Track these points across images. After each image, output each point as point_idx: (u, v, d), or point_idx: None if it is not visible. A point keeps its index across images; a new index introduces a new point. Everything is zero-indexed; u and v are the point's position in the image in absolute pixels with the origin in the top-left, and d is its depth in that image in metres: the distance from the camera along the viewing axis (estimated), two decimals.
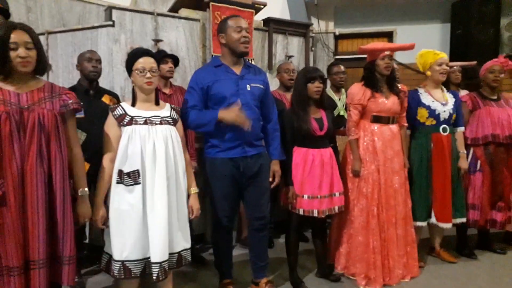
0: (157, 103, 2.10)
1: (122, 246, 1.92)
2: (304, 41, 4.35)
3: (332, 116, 2.75)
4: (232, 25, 2.28)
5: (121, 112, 2.00)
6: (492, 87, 3.19)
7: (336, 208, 2.62)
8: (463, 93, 3.79)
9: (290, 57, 4.19)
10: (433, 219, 2.94)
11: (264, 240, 2.56)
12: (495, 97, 3.21)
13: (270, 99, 2.54)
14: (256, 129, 2.37)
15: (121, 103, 2.07)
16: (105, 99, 2.72)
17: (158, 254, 1.93)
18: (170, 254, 2.02)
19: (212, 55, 3.47)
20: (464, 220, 3.01)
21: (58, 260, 1.78)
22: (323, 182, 2.57)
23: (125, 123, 1.97)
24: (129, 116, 1.99)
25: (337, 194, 2.63)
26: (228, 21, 2.32)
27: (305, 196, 2.55)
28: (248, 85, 2.35)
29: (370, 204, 2.70)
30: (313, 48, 4.55)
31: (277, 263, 3.08)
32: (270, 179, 2.48)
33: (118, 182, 1.95)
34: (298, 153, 2.58)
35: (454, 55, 4.82)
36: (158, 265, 1.93)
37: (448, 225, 2.93)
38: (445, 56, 2.95)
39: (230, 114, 2.21)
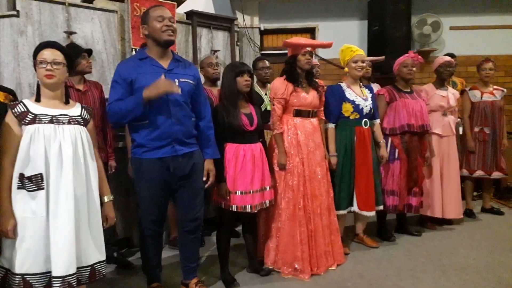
0: (66, 102, 1.92)
1: (23, 258, 1.74)
2: (229, 36, 4.32)
3: (261, 111, 2.76)
4: (154, 15, 2.16)
5: (22, 110, 1.79)
6: (407, 80, 3.40)
7: (267, 202, 2.64)
8: (374, 86, 4.03)
9: (215, 51, 4.13)
10: (355, 208, 3.07)
11: (195, 242, 2.48)
12: (408, 90, 3.43)
13: (202, 95, 2.42)
14: (187, 127, 2.25)
15: (22, 100, 1.86)
16: None
17: (60, 267, 1.74)
18: (81, 267, 1.85)
19: (132, 48, 3.31)
20: (381, 207, 3.19)
21: None
22: (254, 177, 2.56)
23: (27, 121, 1.77)
24: (32, 114, 1.79)
25: (267, 188, 2.64)
26: (150, 12, 2.19)
27: (238, 192, 2.52)
28: (176, 80, 2.20)
29: (296, 196, 2.75)
30: (238, 43, 4.54)
31: (208, 261, 3.04)
32: (204, 179, 2.38)
33: (19, 187, 1.75)
34: (229, 148, 2.55)
35: (371, 51, 5.09)
36: (61, 279, 1.74)
37: (371, 213, 3.08)
38: (361, 53, 3.06)
39: (155, 87, 2.05)
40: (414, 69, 3.37)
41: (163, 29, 2.16)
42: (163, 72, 2.18)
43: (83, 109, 1.97)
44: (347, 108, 3.04)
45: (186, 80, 2.26)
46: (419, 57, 3.40)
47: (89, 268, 1.90)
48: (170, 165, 2.22)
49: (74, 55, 2.46)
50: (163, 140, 2.19)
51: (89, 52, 2.81)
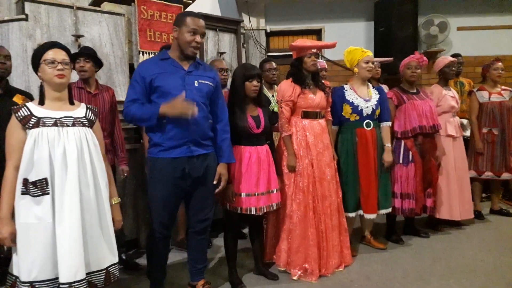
0: (71, 103, 1.89)
1: (31, 265, 1.69)
2: (235, 38, 4.33)
3: (269, 113, 2.75)
4: (188, 25, 2.15)
5: (25, 113, 1.75)
6: (410, 81, 3.38)
7: (274, 204, 2.62)
8: (383, 87, 4.01)
9: (222, 53, 4.15)
10: (360, 210, 3.05)
11: (204, 243, 2.48)
12: (414, 91, 3.41)
13: (220, 98, 2.40)
14: (204, 128, 2.25)
15: (26, 103, 1.82)
16: (17, 99, 2.44)
17: (67, 272, 1.70)
18: (96, 272, 1.83)
19: (139, 51, 3.33)
20: (389, 210, 3.15)
21: None
22: (260, 179, 2.55)
23: (31, 125, 1.73)
24: (36, 117, 1.75)
25: (274, 190, 2.62)
26: (187, 18, 2.17)
27: (243, 194, 2.52)
28: (195, 81, 2.21)
29: (306, 197, 2.75)
30: (244, 45, 4.55)
31: (215, 263, 3.04)
32: (215, 182, 2.35)
33: (23, 193, 1.71)
34: (235, 151, 2.54)
35: (378, 51, 5.08)
36: (67, 286, 1.70)
37: (372, 216, 3.05)
38: (371, 54, 3.06)
39: (173, 107, 2.06)
40: (418, 71, 3.34)
41: (192, 44, 2.17)
42: (183, 73, 2.20)
43: (88, 110, 1.94)
44: (346, 110, 3.03)
45: (205, 82, 2.27)
46: (424, 58, 3.37)
47: (104, 271, 1.86)
48: (185, 166, 2.21)
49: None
50: (178, 140, 2.18)
51: (87, 55, 2.71)
